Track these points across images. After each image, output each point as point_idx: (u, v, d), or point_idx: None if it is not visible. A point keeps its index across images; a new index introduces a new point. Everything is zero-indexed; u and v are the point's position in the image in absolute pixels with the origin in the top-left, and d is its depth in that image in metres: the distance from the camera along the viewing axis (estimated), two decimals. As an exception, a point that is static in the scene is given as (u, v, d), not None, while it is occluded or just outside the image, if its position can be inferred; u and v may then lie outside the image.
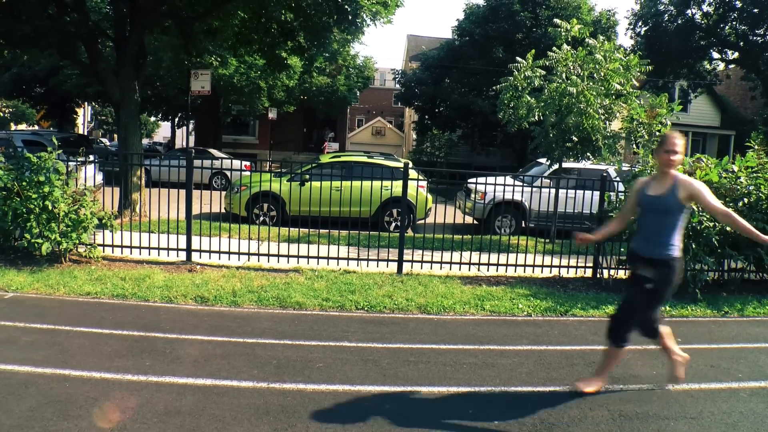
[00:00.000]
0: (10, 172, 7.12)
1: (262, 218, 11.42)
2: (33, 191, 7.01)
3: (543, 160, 12.51)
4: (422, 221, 12.03)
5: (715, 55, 28.23)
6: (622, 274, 8.21)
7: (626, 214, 4.44)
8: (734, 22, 25.82)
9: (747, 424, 4.00)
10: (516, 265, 8.25)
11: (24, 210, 6.98)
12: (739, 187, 7.58)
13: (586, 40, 10.44)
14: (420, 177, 11.61)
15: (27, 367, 4.27)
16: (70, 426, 3.48)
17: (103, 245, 7.92)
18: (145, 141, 46.41)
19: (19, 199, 7.02)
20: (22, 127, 39.63)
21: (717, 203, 4.08)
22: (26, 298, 6.03)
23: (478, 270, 8.31)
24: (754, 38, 25.53)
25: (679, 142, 4.05)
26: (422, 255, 8.23)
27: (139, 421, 3.59)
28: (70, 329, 5.16)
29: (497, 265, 8.24)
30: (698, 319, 6.68)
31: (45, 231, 7.04)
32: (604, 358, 4.38)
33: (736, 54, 27.06)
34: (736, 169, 7.78)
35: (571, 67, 10.35)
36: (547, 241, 10.52)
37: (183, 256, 8.00)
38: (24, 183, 7.05)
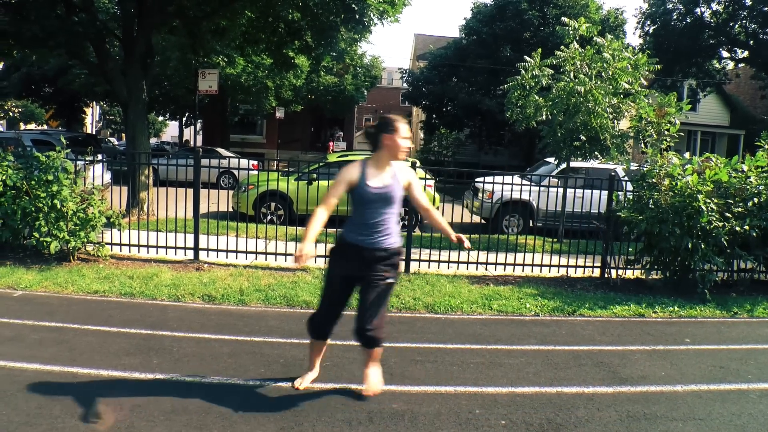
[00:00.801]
0: (19, 171, 7.16)
1: (269, 217, 11.43)
2: (42, 190, 7.05)
3: (551, 160, 12.48)
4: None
5: (725, 53, 28.07)
6: (630, 274, 8.17)
7: (333, 204, 3.90)
8: (744, 21, 25.65)
9: (756, 425, 3.96)
10: (524, 265, 8.23)
11: (33, 209, 7.01)
12: (748, 186, 7.53)
13: (594, 38, 10.39)
14: (427, 176, 11.59)
15: (35, 365, 4.29)
16: (77, 423, 3.49)
17: (111, 244, 7.95)
18: (153, 140, 46.56)
19: (28, 198, 7.05)
20: (31, 126, 39.88)
21: (424, 196, 4.08)
22: (35, 296, 6.06)
23: (486, 269, 8.29)
24: (765, 37, 25.35)
25: (407, 128, 3.92)
26: (429, 254, 8.22)
27: (146, 419, 3.59)
28: (78, 327, 5.18)
29: (505, 264, 8.22)
30: (707, 319, 6.63)
31: (53, 230, 7.08)
32: (366, 359, 4.10)
33: (746, 53, 26.88)
34: (746, 168, 7.72)
35: (579, 66, 10.31)
36: (555, 240, 10.48)
37: (190, 254, 8.02)
38: (33, 182, 7.09)
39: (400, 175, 3.94)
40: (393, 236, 3.92)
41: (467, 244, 4.23)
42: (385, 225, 3.87)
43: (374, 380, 4.09)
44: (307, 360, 4.32)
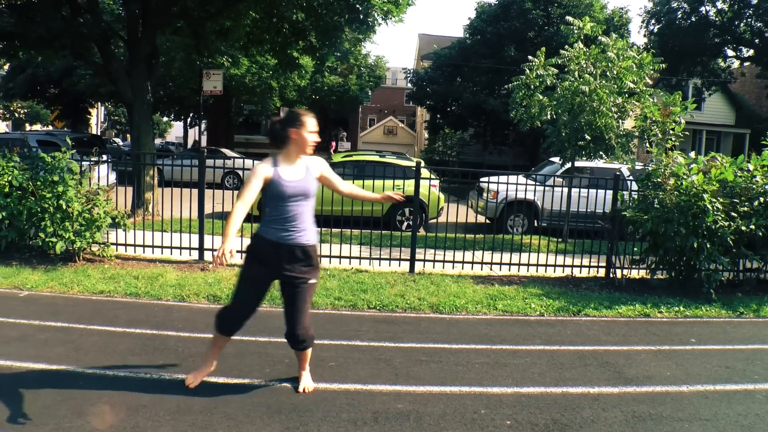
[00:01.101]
0: (25, 171, 7.19)
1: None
2: (47, 191, 7.07)
3: (555, 159, 12.46)
4: (434, 220, 12.01)
5: (730, 52, 27.97)
6: (635, 274, 8.15)
7: (250, 200, 3.76)
8: (749, 19, 25.56)
9: (763, 426, 3.95)
10: (528, 265, 8.21)
11: (38, 209, 7.04)
12: (754, 186, 7.50)
13: (599, 38, 10.37)
14: (432, 176, 11.59)
15: (41, 365, 4.30)
16: (83, 423, 3.50)
17: (116, 244, 7.97)
18: (157, 141, 46.68)
19: (33, 199, 7.08)
20: (37, 127, 40.01)
21: (340, 180, 4.19)
22: (41, 297, 6.08)
23: (491, 269, 8.28)
24: (770, 35, 25.28)
25: (315, 122, 3.93)
26: (434, 254, 8.22)
27: (151, 419, 3.60)
28: (84, 327, 5.19)
29: (510, 264, 8.21)
30: (713, 319, 6.61)
31: (59, 230, 7.10)
32: (299, 362, 4.18)
33: (752, 51, 26.79)
34: (751, 168, 7.69)
35: (584, 66, 10.29)
36: (560, 240, 10.46)
37: (195, 255, 8.03)
38: (38, 183, 7.12)
39: (312, 168, 3.97)
40: (309, 232, 3.92)
41: (398, 197, 4.36)
42: (300, 220, 3.87)
43: (308, 384, 4.16)
44: (210, 356, 4.18)
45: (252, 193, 3.77)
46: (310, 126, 3.86)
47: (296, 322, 3.90)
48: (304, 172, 3.90)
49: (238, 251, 4.09)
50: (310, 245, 3.91)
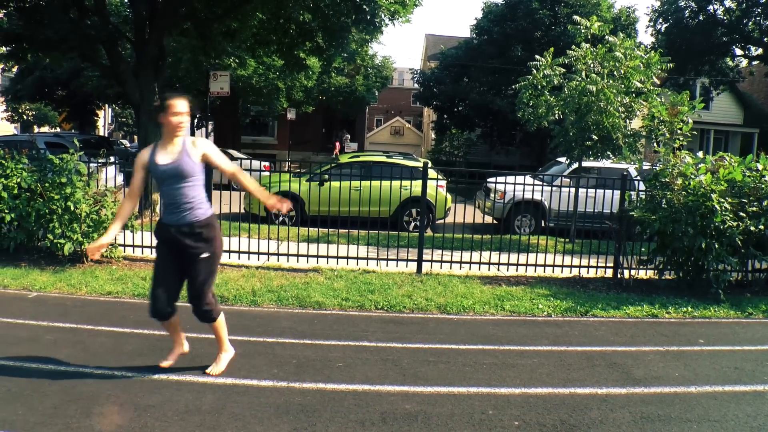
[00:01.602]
0: (33, 173, 7.24)
1: (281, 218, 11.46)
2: (55, 192, 7.11)
3: (563, 159, 12.43)
4: (441, 221, 11.99)
5: (738, 51, 27.81)
6: (643, 274, 8.12)
7: (135, 190, 4.06)
8: (758, 18, 25.41)
9: (773, 426, 3.93)
10: (536, 265, 8.19)
11: (47, 211, 7.08)
12: (763, 185, 7.45)
13: (606, 37, 10.34)
14: (439, 176, 11.58)
15: (50, 365, 4.33)
16: (92, 423, 3.52)
17: (124, 245, 8.00)
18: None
19: (42, 200, 7.12)
20: (45, 129, 40.20)
21: (226, 161, 4.21)
22: (49, 298, 6.11)
23: (498, 270, 8.26)
24: (779, 34, 25.12)
25: (184, 104, 3.98)
26: (442, 255, 8.21)
27: (159, 419, 3.61)
28: (92, 328, 5.22)
29: (517, 264, 8.19)
30: (721, 320, 6.58)
31: (67, 231, 7.14)
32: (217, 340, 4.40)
33: (760, 50, 26.63)
34: (760, 167, 7.64)
35: (591, 65, 10.26)
36: (567, 240, 10.44)
37: (203, 256, 8.04)
38: (47, 184, 7.16)
39: (191, 149, 4.01)
40: (196, 210, 4.02)
41: (285, 208, 4.15)
42: (185, 200, 3.97)
43: (222, 365, 4.36)
44: (174, 341, 4.49)
45: (136, 182, 4.03)
46: (176, 108, 3.94)
47: (192, 297, 4.11)
48: (177, 154, 3.96)
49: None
50: (198, 222, 4.01)
